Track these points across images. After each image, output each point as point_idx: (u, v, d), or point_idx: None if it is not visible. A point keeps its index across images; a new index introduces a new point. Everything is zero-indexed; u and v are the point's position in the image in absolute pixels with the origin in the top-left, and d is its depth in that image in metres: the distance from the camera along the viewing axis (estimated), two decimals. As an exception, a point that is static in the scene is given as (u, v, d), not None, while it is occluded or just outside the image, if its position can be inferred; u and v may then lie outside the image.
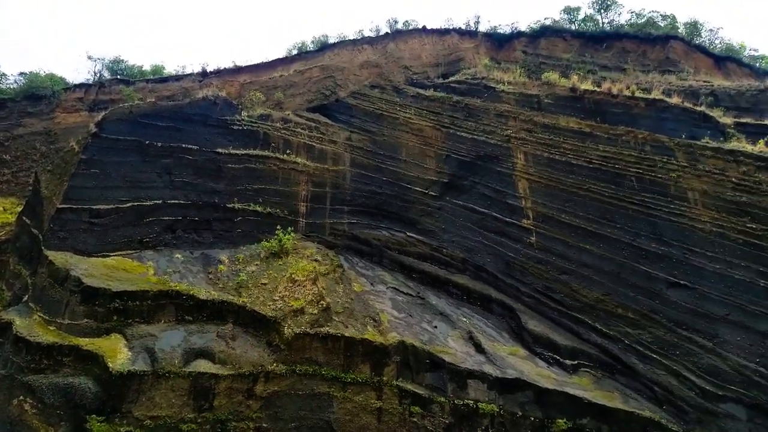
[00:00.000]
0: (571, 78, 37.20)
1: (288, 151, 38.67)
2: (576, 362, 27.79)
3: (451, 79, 42.91)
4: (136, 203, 32.59)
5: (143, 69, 51.20)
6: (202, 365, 24.92)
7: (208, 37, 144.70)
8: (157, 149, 34.51)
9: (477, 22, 49.23)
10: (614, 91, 33.69)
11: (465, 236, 35.82)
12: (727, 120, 31.43)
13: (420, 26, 49.04)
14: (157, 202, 33.30)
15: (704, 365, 25.35)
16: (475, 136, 37.61)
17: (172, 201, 33.89)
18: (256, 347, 26.49)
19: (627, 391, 26.15)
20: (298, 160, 38.69)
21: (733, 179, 27.68)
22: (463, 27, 48.83)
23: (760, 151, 28.08)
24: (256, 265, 31.66)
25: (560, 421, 24.39)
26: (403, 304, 31.08)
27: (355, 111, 42.94)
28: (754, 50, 45.20)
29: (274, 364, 25.57)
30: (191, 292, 27.76)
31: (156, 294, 27.18)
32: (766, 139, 29.26)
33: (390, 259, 36.28)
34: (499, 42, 47.40)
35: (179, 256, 32.01)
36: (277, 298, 28.78)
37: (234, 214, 35.17)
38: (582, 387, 25.73)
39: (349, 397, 25.25)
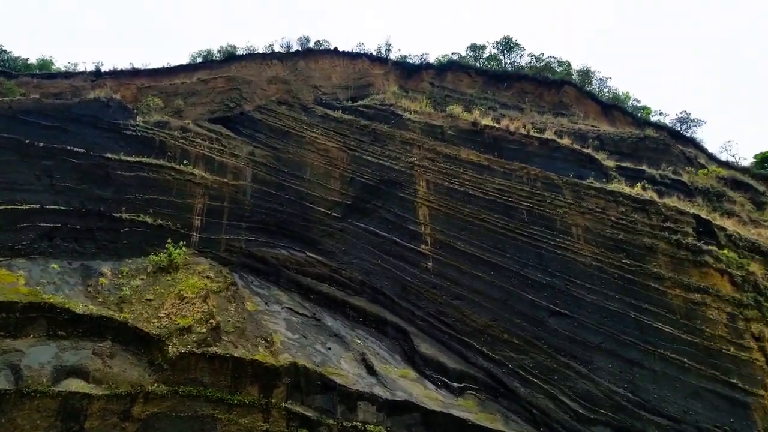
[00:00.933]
0: (473, 112, 39.93)
1: (185, 162, 38.06)
2: (463, 385, 29.42)
3: (360, 102, 44.47)
4: (9, 206, 30.70)
5: (29, 62, 48.36)
6: (74, 384, 23.71)
7: (105, 35, 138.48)
8: (38, 149, 32.79)
9: (388, 50, 51.47)
10: (512, 128, 36.62)
11: (365, 259, 36.88)
12: (610, 163, 35.16)
13: (332, 47, 50.43)
14: (35, 206, 31.54)
15: (579, 390, 27.79)
16: (381, 161, 39.06)
17: (52, 206, 32.25)
18: (137, 366, 25.66)
19: (508, 414, 28.05)
20: (196, 171, 38.18)
21: (612, 218, 30.91)
22: (375, 53, 50.83)
23: (637, 194, 31.70)
24: (142, 279, 30.74)
25: (445, 442, 25.71)
26: (297, 325, 31.39)
27: (261, 126, 43.17)
28: (637, 101, 50.73)
29: (155, 384, 24.85)
30: (66, 306, 26.40)
31: (25, 306, 25.60)
32: (642, 183, 33.09)
33: (287, 279, 36.51)
34: (408, 71, 49.75)
35: (55, 266, 30.38)
36: (163, 315, 28.11)
37: (120, 224, 33.99)
38: (467, 409, 27.27)
39: (235, 419, 25.04)
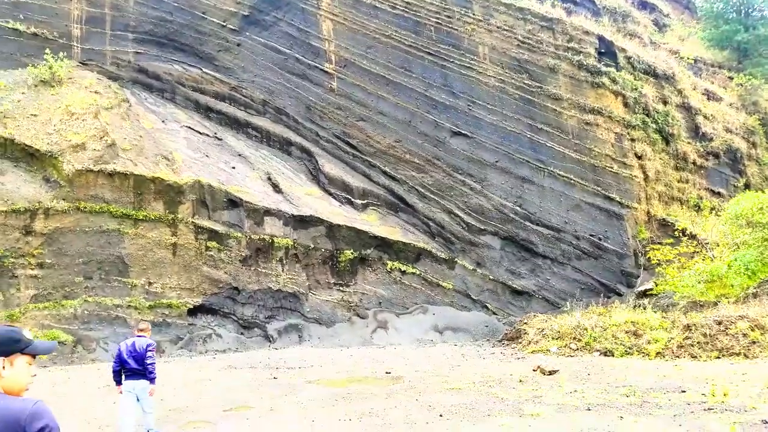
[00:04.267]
0: None
1: (53, -42, 36.32)
2: (365, 201, 33.82)
3: None
4: None
5: None
6: (-32, 202, 25.55)
7: None
8: None
9: None
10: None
11: (266, 77, 38.43)
12: (521, -23, 37.37)
13: None
14: None
15: (472, 204, 32.98)
16: (278, -35, 38.85)
17: None
18: (31, 183, 27.51)
19: (407, 226, 33.12)
20: (66, -30, 36.65)
21: (519, 37, 34.10)
22: None
23: (546, 12, 34.77)
24: (23, 93, 31.12)
25: (348, 251, 30.62)
26: (198, 143, 33.65)
27: None
28: None
29: (55, 201, 27.10)
30: (-59, 120, 27.14)
31: None
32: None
33: (184, 97, 37.68)
34: None
35: None
36: (52, 131, 29.29)
37: (-12, 31, 33.26)
38: (369, 222, 31.97)
39: (142, 233, 28.08)
